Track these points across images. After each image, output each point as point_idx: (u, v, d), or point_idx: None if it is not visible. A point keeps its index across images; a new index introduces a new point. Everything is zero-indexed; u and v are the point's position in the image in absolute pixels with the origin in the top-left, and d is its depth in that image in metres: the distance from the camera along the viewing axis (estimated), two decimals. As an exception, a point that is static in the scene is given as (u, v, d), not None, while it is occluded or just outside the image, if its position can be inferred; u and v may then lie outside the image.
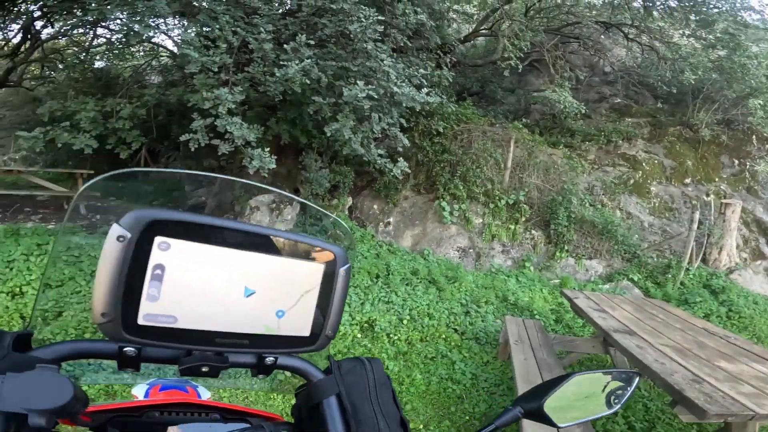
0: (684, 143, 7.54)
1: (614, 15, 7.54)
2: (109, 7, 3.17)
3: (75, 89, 5.04)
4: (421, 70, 4.59)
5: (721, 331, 2.74)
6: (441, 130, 5.97)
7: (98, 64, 7.23)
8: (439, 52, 6.22)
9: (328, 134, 3.96)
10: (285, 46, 3.54)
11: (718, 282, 5.87)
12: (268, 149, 3.74)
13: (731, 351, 2.33)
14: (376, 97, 3.87)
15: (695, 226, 5.85)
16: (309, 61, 3.55)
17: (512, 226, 6.32)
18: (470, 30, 8.59)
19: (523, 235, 6.37)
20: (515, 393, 2.69)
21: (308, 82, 3.64)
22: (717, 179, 7.30)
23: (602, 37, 8.64)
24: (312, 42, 3.79)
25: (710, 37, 6.68)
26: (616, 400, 0.77)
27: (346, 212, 6.32)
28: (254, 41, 3.44)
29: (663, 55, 7.00)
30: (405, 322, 3.92)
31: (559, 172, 6.61)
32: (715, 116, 7.41)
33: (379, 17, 3.82)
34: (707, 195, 7.03)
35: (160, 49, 7.08)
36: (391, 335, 3.67)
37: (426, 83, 4.92)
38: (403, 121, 4.72)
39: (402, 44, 4.61)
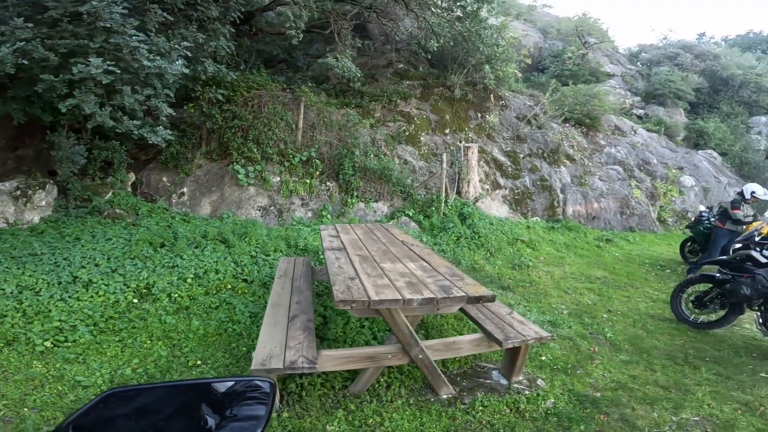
0: (444, 101, 9.41)
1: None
2: None
3: None
4: (185, 43, 4.63)
5: (411, 242, 3.94)
6: (220, 97, 6.10)
7: None
8: (236, 20, 6.15)
9: (63, 110, 3.77)
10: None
11: (468, 210, 7.77)
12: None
13: (403, 255, 3.34)
14: (117, 71, 3.84)
15: (444, 165, 7.60)
16: (26, 42, 3.29)
17: (308, 181, 7.08)
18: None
19: (319, 187, 7.21)
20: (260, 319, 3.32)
21: (26, 62, 3.38)
22: (467, 129, 9.43)
23: (397, 8, 9.74)
24: (42, 21, 3.47)
25: (458, 12, 8.27)
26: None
27: (129, 189, 6.04)
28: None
29: (421, 25, 8.43)
30: (189, 280, 4.26)
31: (347, 129, 7.58)
32: (465, 79, 9.41)
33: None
34: (460, 141, 9.07)
35: None
36: (171, 294, 3.99)
37: (193, 54, 4.97)
38: (168, 91, 4.72)
39: (164, 19, 4.51)
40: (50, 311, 3.39)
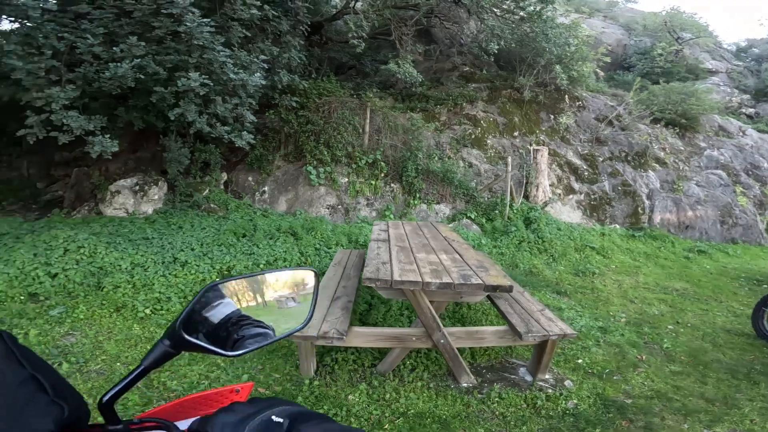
0: (513, 103, 9.24)
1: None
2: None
3: None
4: (262, 56, 5.38)
5: (453, 238, 4.10)
6: (294, 104, 6.83)
7: None
8: (305, 32, 6.93)
9: (172, 118, 4.66)
10: (114, 48, 4.12)
11: (535, 214, 7.58)
12: (109, 135, 4.33)
13: (439, 248, 3.56)
14: (210, 84, 4.63)
15: (509, 168, 7.51)
16: (140, 59, 4.18)
17: (373, 182, 7.53)
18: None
19: (383, 188, 7.62)
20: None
21: (142, 77, 4.29)
22: (538, 131, 9.13)
23: (461, 12, 9.91)
24: (151, 38, 4.40)
25: (522, 12, 8.17)
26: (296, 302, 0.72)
27: (222, 186, 7.05)
28: (82, 45, 3.99)
29: (481, 28, 8.44)
30: (261, 266, 4.92)
31: (411, 133, 7.90)
32: (535, 80, 9.15)
33: (210, 19, 4.50)
34: (530, 144, 8.83)
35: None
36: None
37: (269, 66, 5.73)
38: (251, 100, 5.51)
39: (243, 35, 5.30)
40: (153, 284, 4.20)
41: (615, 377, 3.03)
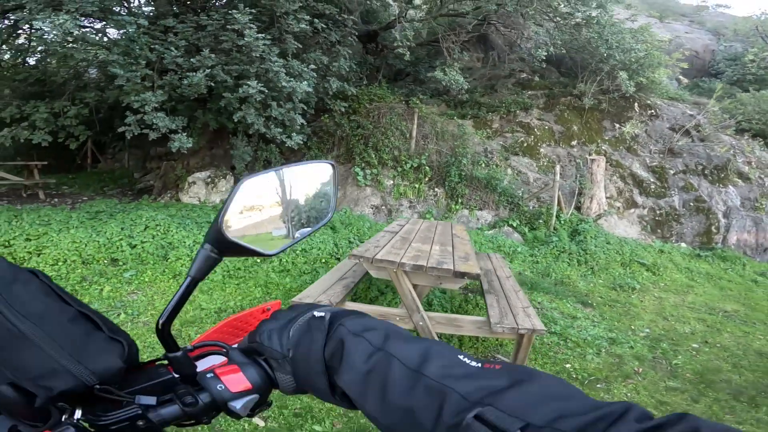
0: (572, 111, 8.95)
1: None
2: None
3: (11, 88, 6.28)
4: (312, 66, 6.10)
5: (460, 235, 4.30)
6: (342, 109, 7.48)
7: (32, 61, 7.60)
8: (356, 40, 7.60)
9: (236, 120, 5.54)
10: (192, 60, 5.09)
11: (585, 226, 7.32)
12: (187, 134, 5.31)
13: (438, 241, 3.78)
14: (266, 91, 5.42)
15: (557, 177, 7.35)
16: (211, 69, 5.10)
17: (417, 186, 7.89)
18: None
19: (427, 192, 7.94)
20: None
21: (213, 84, 5.21)
22: (599, 140, 8.73)
23: (518, 17, 9.89)
24: (220, 51, 5.33)
25: (579, 18, 7.90)
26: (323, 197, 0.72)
27: (280, 182, 7.96)
28: (168, 56, 5.00)
29: (529, 35, 8.33)
30: (297, 252, 5.57)
31: (457, 139, 8.12)
32: (599, 87, 8.77)
33: (265, 34, 5.31)
34: (590, 154, 8.48)
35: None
36: (282, 259, 5.34)
37: (321, 73, 6.43)
38: (303, 105, 6.24)
39: (296, 46, 6.07)
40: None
41: (598, 385, 3.04)
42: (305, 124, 6.19)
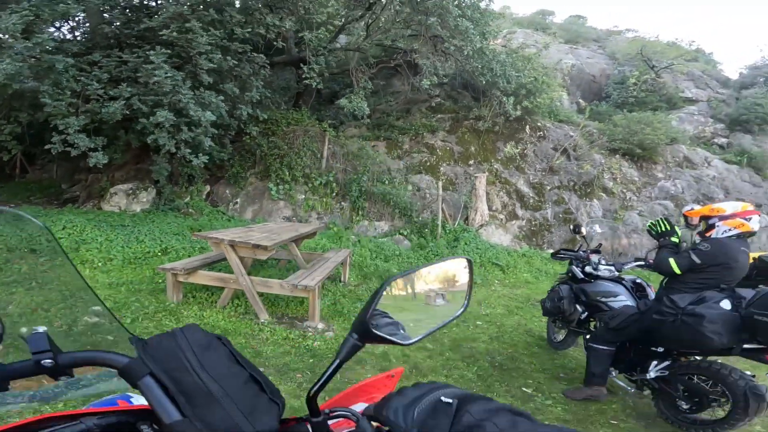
0: (472, 133, 10.68)
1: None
2: None
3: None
4: (221, 97, 7.63)
5: (303, 231, 5.74)
6: (255, 134, 9.01)
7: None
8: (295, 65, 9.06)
9: (149, 142, 6.98)
10: (111, 92, 6.56)
11: (466, 235, 8.86)
12: (103, 152, 6.70)
13: (275, 231, 5.23)
14: (175, 119, 6.90)
15: (440, 192, 8.94)
16: (128, 100, 6.57)
17: (325, 199, 9.38)
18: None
19: (333, 205, 9.43)
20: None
21: (128, 112, 6.67)
22: (493, 160, 10.43)
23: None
24: (138, 83, 6.83)
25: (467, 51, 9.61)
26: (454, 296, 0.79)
27: (204, 197, 9.34)
28: (91, 88, 6.46)
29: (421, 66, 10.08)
30: (197, 251, 6.91)
31: (360, 159, 9.70)
32: (493, 111, 10.52)
33: (177, 71, 6.83)
34: (483, 172, 10.14)
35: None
36: (179, 253, 6.67)
37: (230, 103, 7.97)
38: (213, 130, 7.71)
39: (208, 80, 7.60)
40: (111, 251, 6.35)
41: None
42: (213, 145, 7.65)
